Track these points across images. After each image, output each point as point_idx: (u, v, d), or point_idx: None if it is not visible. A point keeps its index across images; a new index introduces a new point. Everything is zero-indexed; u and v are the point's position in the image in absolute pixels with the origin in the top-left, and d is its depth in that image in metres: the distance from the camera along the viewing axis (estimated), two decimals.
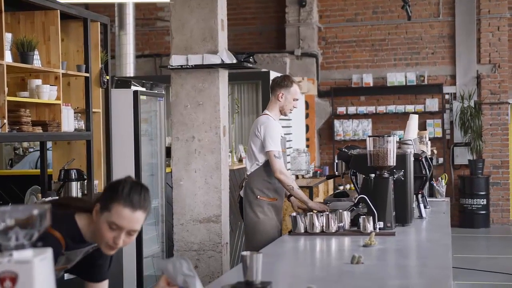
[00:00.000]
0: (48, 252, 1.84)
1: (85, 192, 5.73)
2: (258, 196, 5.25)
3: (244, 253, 2.76)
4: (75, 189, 5.54)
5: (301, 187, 8.97)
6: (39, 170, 5.92)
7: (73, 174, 5.54)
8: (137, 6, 12.80)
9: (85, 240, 2.78)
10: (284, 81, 5.33)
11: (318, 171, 10.94)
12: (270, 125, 5.20)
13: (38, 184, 5.80)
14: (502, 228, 12.50)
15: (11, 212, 1.83)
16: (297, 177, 10.31)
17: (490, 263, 9.43)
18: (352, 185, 6.14)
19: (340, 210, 4.45)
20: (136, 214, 2.66)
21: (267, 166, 5.22)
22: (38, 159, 7.33)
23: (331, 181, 10.99)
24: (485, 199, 12.34)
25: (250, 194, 5.30)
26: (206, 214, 5.70)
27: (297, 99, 5.35)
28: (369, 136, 4.56)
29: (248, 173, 5.37)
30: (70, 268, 2.92)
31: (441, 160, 12.65)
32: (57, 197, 5.00)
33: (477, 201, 12.31)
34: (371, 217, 4.30)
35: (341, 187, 10.82)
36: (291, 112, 5.46)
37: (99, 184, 5.94)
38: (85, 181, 5.71)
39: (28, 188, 6.01)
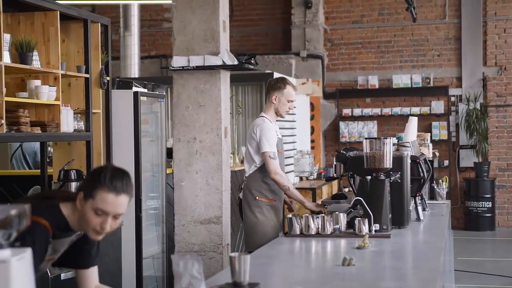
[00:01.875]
0: (27, 252, 1.85)
1: None
2: (257, 197, 5.29)
3: (232, 254, 2.78)
4: (74, 190, 5.55)
5: (304, 189, 9.04)
6: (39, 171, 5.94)
7: (73, 174, 5.56)
8: (144, 7, 12.84)
9: (71, 228, 2.84)
10: (278, 83, 5.38)
11: (323, 173, 10.93)
12: (265, 127, 5.25)
13: (39, 184, 5.83)
14: (508, 231, 12.45)
15: None
16: (301, 178, 10.31)
17: (495, 266, 9.41)
18: None
19: (336, 212, 4.45)
20: (120, 198, 2.74)
21: (265, 168, 5.26)
22: (21, 156, 7.49)
23: (335, 183, 10.97)
24: (490, 202, 12.30)
25: (248, 196, 5.34)
26: (207, 215, 5.70)
27: (291, 101, 5.38)
28: (366, 138, 4.56)
29: (246, 175, 5.41)
30: (58, 260, 2.95)
31: (446, 162, 12.62)
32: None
33: (482, 203, 12.27)
34: (367, 219, 4.30)
35: (346, 189, 10.79)
36: (288, 114, 5.48)
37: None
38: None
39: (30, 188, 6.05)
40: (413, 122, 5.80)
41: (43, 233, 2.74)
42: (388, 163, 4.47)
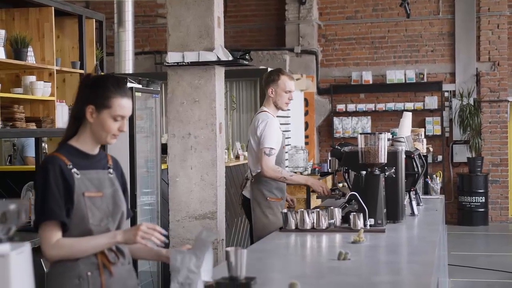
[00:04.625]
0: (26, 246, 1.87)
1: None
2: (268, 198, 5.23)
3: (228, 249, 2.79)
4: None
5: (299, 184, 9.03)
6: (34, 167, 5.94)
7: None
8: (138, 3, 12.83)
9: (87, 154, 2.92)
10: (271, 76, 5.32)
11: (317, 169, 10.94)
12: (270, 123, 5.19)
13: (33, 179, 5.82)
14: (501, 225, 12.52)
15: None
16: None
17: (488, 260, 9.45)
18: None
19: (332, 207, 4.46)
20: (130, 100, 2.93)
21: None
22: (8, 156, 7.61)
23: (330, 178, 11.00)
24: (483, 197, 12.36)
25: (259, 195, 5.26)
26: (202, 211, 5.71)
27: (289, 91, 5.30)
28: (360, 133, 4.57)
29: (253, 174, 5.32)
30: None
31: (440, 157, 12.66)
32: None
33: (475, 198, 12.32)
34: (362, 214, 4.32)
35: (340, 185, 10.80)
36: (287, 105, 5.36)
37: None
38: None
39: (25, 184, 6.03)
40: (408, 117, 5.82)
41: (54, 159, 2.83)
42: (382, 158, 4.48)
